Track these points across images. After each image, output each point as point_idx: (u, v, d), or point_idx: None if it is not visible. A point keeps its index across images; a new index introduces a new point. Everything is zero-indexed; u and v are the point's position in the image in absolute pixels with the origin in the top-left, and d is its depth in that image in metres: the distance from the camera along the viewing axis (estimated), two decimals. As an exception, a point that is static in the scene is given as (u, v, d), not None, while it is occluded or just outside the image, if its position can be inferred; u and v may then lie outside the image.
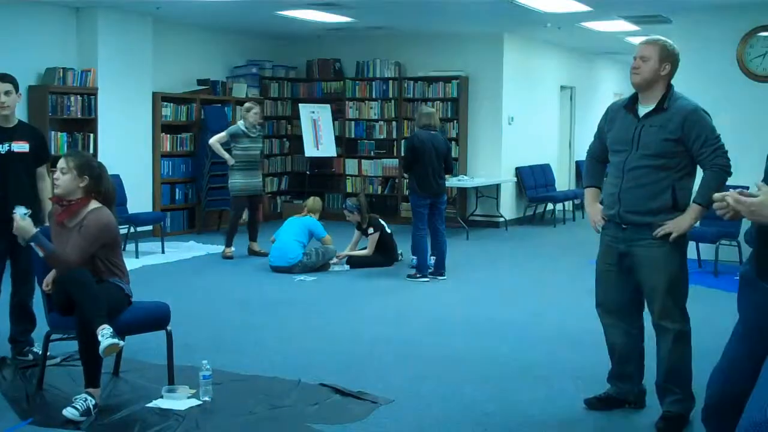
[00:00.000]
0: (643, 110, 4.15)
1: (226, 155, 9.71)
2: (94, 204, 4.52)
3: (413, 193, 8.48)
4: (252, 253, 9.90)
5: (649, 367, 4.44)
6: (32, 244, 4.44)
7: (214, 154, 10.25)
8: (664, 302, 4.14)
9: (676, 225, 4.06)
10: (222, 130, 9.94)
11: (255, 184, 9.85)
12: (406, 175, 8.61)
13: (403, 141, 13.21)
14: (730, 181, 4.03)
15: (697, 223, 4.24)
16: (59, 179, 4.48)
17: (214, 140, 9.77)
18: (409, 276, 8.55)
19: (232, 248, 9.74)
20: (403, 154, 8.69)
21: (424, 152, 8.34)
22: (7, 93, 5.24)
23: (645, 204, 4.09)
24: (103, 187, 4.59)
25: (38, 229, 4.51)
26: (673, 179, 4.07)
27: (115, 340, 4.18)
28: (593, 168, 4.49)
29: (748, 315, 2.84)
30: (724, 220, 2.72)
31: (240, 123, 9.75)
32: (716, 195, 2.68)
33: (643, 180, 4.08)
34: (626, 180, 4.13)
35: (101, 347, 4.14)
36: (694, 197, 4.09)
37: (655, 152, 4.05)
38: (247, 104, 9.92)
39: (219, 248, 10.01)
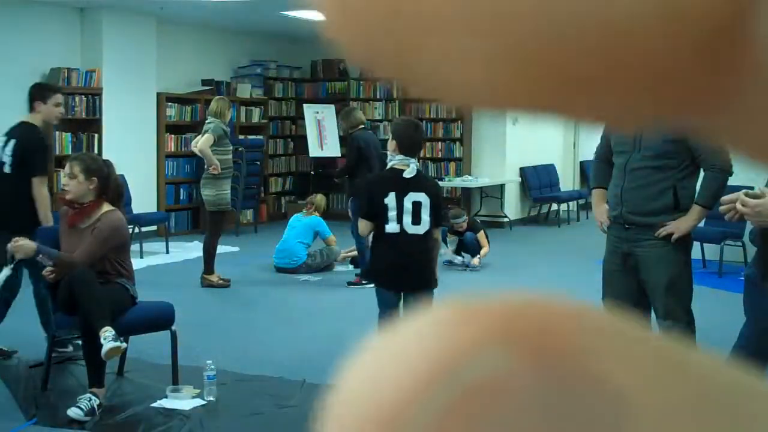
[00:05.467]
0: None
1: (216, 161, 7.83)
2: (106, 206, 4.55)
3: (357, 198, 8.05)
4: (214, 283, 8.09)
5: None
6: (38, 258, 4.49)
7: None
8: (667, 302, 4.15)
9: (677, 225, 4.06)
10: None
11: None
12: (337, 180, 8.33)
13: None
14: (731, 181, 4.03)
15: (702, 223, 4.24)
16: (68, 184, 4.52)
17: (205, 145, 7.80)
18: (351, 283, 8.27)
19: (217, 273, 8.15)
20: (346, 157, 8.35)
21: (370, 153, 7.96)
22: None
23: (647, 204, 4.10)
24: (111, 185, 4.62)
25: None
26: (675, 180, 4.08)
27: (117, 343, 4.19)
28: (600, 169, 4.51)
29: (755, 316, 2.84)
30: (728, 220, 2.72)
31: (217, 122, 7.94)
32: (725, 198, 2.69)
33: (645, 181, 4.10)
34: (628, 181, 4.14)
35: (103, 350, 4.15)
36: (696, 198, 4.10)
37: (657, 153, 4.06)
38: (224, 99, 8.33)
39: (224, 249, 9.98)
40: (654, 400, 0.14)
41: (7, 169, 5.32)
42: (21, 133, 5.43)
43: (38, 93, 5.59)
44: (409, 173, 4.25)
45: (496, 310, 0.15)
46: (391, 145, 4.38)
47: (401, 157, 4.28)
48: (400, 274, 4.30)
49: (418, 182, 4.27)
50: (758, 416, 0.15)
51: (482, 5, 0.11)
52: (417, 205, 4.19)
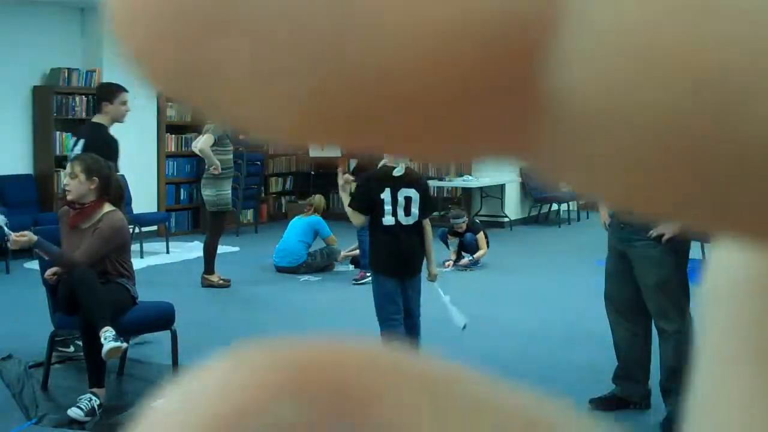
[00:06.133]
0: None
1: (217, 161, 7.84)
2: (108, 207, 4.56)
3: None
4: (214, 283, 8.10)
5: (654, 367, 4.44)
6: (36, 250, 4.49)
7: None
8: (660, 303, 4.16)
9: (668, 226, 4.07)
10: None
11: None
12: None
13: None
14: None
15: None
16: (70, 184, 4.52)
17: (205, 145, 7.78)
18: (356, 279, 8.33)
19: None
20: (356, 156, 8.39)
21: None
22: None
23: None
24: (112, 185, 4.62)
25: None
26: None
27: (118, 343, 4.19)
28: None
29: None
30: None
31: None
32: None
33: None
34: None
35: (103, 350, 4.16)
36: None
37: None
38: None
39: (224, 249, 9.97)
40: None
41: None
42: (89, 133, 5.55)
43: (105, 93, 5.70)
44: (397, 172, 4.60)
45: (285, 359, 0.15)
46: None
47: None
48: (397, 262, 4.73)
49: (408, 178, 4.67)
50: None
51: (271, 53, 0.13)
52: (408, 200, 4.63)
